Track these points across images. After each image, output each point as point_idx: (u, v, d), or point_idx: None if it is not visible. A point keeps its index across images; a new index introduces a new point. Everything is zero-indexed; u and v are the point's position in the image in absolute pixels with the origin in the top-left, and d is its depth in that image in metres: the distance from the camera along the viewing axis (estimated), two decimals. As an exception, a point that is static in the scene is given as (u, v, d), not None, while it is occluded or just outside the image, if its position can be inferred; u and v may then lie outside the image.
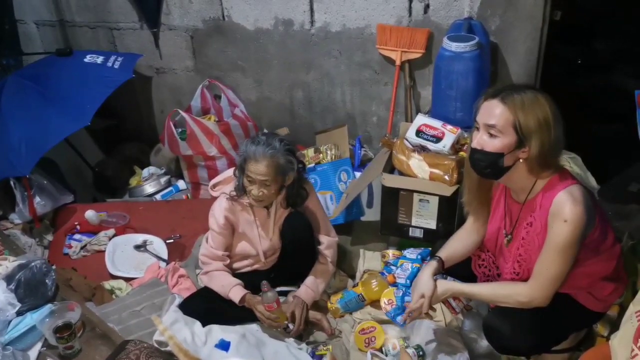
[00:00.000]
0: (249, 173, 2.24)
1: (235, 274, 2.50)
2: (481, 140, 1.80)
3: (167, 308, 2.39)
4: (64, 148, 3.53)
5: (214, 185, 2.50)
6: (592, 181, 2.71)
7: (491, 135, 1.77)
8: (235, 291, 2.40)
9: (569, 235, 1.73)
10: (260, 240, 2.46)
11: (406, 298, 2.18)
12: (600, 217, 1.85)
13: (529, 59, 2.99)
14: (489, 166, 1.83)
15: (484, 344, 2.27)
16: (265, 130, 3.41)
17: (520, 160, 1.79)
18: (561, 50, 4.02)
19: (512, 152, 1.77)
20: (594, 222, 1.79)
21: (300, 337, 2.44)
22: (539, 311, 1.86)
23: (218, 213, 2.43)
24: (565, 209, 1.72)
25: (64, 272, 2.68)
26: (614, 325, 2.16)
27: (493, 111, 1.76)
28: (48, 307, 2.23)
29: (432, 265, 2.07)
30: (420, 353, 2.21)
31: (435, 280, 2.01)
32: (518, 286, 1.90)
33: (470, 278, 2.15)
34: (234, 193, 2.37)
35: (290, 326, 2.40)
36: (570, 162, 2.69)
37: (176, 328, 2.24)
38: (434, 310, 2.08)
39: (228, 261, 2.50)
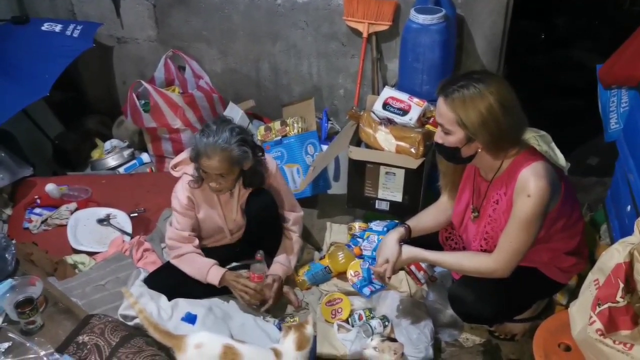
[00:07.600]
0: (203, 168, 2.21)
1: (202, 248, 2.47)
2: (439, 136, 1.88)
3: (131, 282, 2.37)
4: (22, 120, 3.41)
5: (175, 165, 2.44)
6: (561, 159, 2.69)
7: (445, 132, 1.84)
8: (213, 273, 2.35)
9: (533, 209, 1.77)
10: (225, 219, 2.45)
11: (370, 266, 2.22)
12: (568, 193, 1.90)
13: (494, 32, 3.00)
14: (450, 158, 1.93)
15: (447, 314, 2.32)
16: (223, 113, 3.34)
17: (479, 150, 1.84)
18: (525, 25, 4.07)
19: (466, 145, 1.83)
20: (558, 196, 1.83)
21: (267, 309, 2.43)
22: (503, 280, 1.91)
23: (181, 194, 2.38)
24: (529, 184, 1.77)
25: (25, 247, 2.62)
26: (573, 294, 2.23)
27: (440, 110, 1.82)
28: (8, 282, 2.19)
29: (398, 231, 2.10)
30: (386, 324, 2.25)
31: (400, 246, 2.04)
32: (482, 257, 1.94)
33: (437, 250, 2.18)
34: (193, 180, 2.33)
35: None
36: (539, 140, 2.69)
37: (142, 302, 2.22)
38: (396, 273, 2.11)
39: (197, 242, 2.44)
